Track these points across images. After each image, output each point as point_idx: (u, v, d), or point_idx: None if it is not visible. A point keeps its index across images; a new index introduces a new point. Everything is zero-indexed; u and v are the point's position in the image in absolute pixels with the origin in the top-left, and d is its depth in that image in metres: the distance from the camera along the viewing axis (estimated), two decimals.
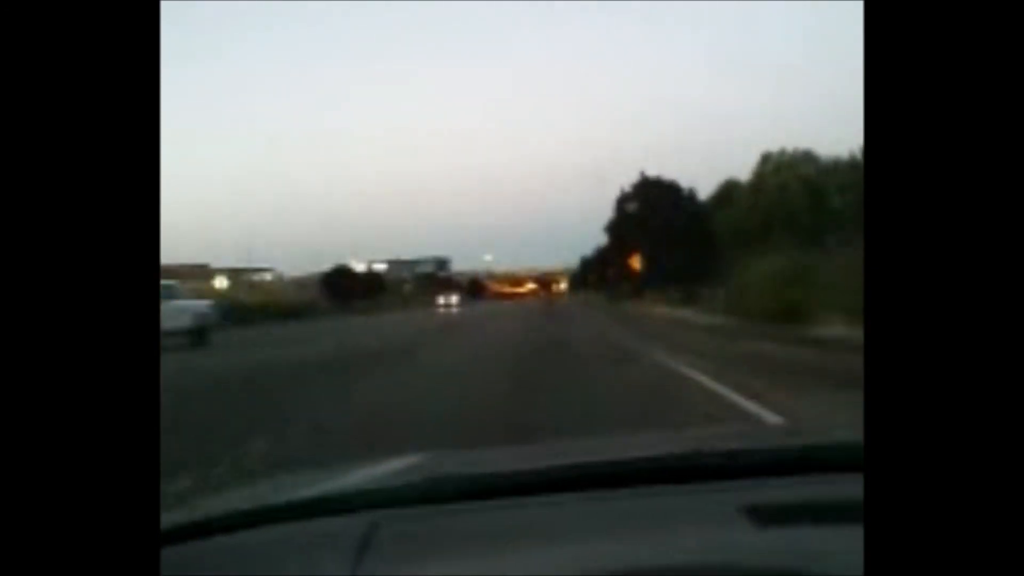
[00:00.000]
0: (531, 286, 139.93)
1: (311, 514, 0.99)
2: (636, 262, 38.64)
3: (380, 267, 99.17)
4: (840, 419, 5.36)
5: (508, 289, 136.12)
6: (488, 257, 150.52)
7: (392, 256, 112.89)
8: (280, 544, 0.93)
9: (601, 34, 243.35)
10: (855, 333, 10.81)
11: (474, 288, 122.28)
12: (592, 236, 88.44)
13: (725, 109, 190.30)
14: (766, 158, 52.46)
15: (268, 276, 77.06)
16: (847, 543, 0.76)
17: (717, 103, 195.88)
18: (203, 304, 21.70)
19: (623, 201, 41.78)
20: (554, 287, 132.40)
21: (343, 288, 64.92)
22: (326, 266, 70.57)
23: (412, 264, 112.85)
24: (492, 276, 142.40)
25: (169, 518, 0.99)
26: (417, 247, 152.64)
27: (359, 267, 75.99)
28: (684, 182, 40.59)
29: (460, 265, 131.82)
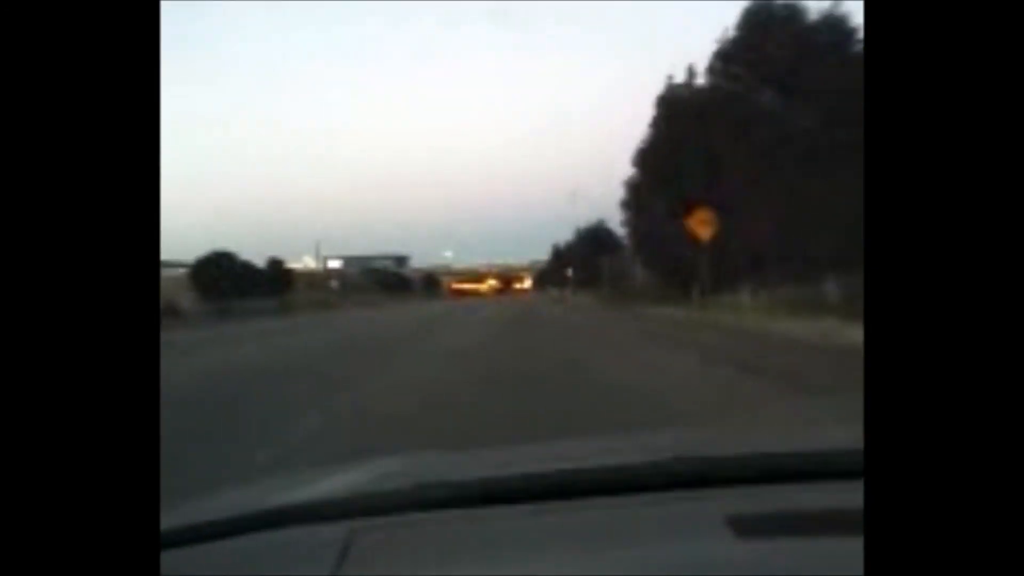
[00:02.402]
0: (492, 283, 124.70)
1: (289, 522, 0.94)
2: (703, 223, 16.90)
3: (336, 264, 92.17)
4: None
5: (468, 286, 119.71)
6: (448, 254, 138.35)
7: (349, 253, 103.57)
8: (257, 554, 0.89)
9: (562, 27, 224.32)
10: None
11: (430, 286, 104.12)
12: (560, 232, 69.82)
13: None
14: None
15: (180, 271, 57.05)
16: (834, 555, 0.74)
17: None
18: None
19: (672, 99, 19.54)
20: (517, 284, 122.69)
21: (225, 284, 43.17)
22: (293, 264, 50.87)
23: (369, 261, 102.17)
24: (450, 273, 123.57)
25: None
26: (377, 244, 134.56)
27: (312, 264, 58.52)
28: None
29: (420, 262, 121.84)
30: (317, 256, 60.68)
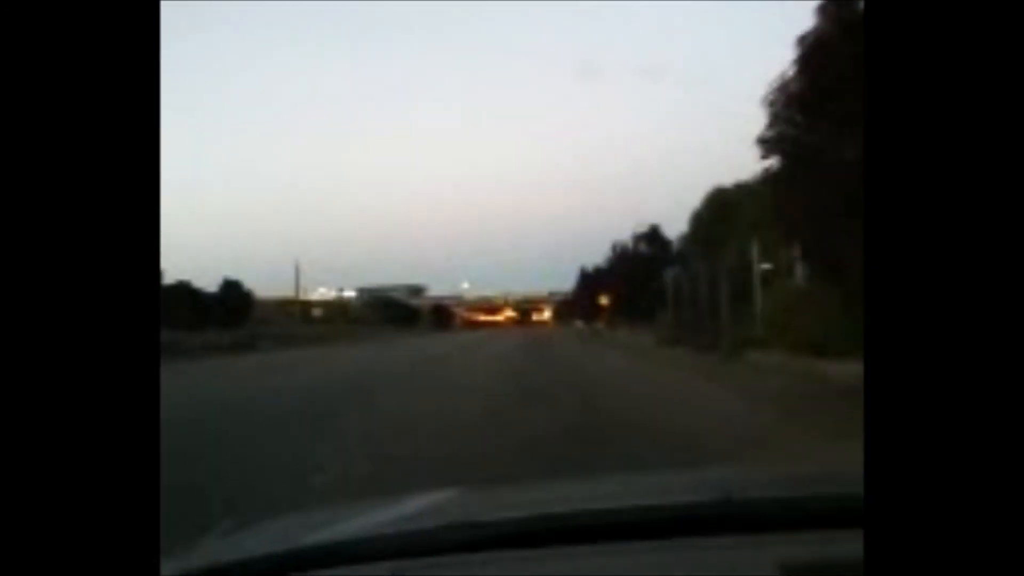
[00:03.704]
0: (509, 314, 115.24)
1: (330, 562, 0.92)
2: None
3: (350, 295, 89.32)
4: None
5: (482, 318, 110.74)
6: (465, 284, 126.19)
7: (364, 284, 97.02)
8: None
9: (584, 49, 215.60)
10: None
11: (440, 317, 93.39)
12: (583, 260, 58.82)
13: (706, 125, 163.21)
14: None
15: None
16: None
17: (706, 111, 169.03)
18: None
19: None
20: (535, 316, 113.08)
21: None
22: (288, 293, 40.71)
23: (385, 292, 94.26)
24: (463, 303, 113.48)
25: (184, 564, 0.95)
26: (397, 275, 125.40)
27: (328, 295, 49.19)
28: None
29: (436, 292, 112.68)
30: (296, 280, 49.92)
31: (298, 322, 50.10)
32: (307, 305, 55.73)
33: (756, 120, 10.61)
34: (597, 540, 0.91)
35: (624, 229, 41.74)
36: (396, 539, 0.98)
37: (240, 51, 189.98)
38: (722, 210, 30.91)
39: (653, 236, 37.25)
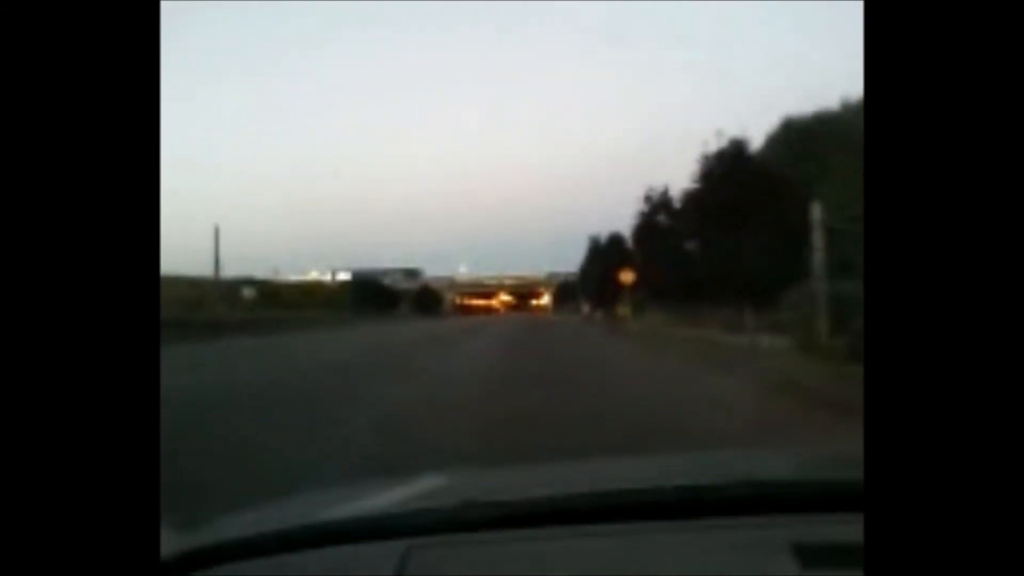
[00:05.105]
0: (505, 299, 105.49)
1: (344, 539, 0.93)
2: None
3: (344, 277, 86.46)
4: None
5: (475, 302, 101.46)
6: (462, 267, 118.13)
7: (358, 266, 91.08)
8: (313, 569, 0.88)
9: (583, 29, 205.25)
10: None
11: (425, 302, 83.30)
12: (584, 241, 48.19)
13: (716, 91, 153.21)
14: None
15: None
16: None
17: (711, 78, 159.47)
18: None
19: None
20: (534, 301, 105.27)
21: None
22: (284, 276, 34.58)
23: (378, 274, 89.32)
24: (455, 286, 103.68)
25: (193, 540, 0.96)
26: (396, 258, 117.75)
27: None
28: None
29: (432, 275, 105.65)
30: (216, 256, 38.81)
31: (240, 307, 39.74)
32: (229, 286, 44.54)
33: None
34: (613, 520, 0.90)
35: (629, 204, 29.20)
36: (410, 517, 0.98)
37: (240, 49, 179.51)
38: (802, 144, 21.55)
39: (738, 159, 20.72)
